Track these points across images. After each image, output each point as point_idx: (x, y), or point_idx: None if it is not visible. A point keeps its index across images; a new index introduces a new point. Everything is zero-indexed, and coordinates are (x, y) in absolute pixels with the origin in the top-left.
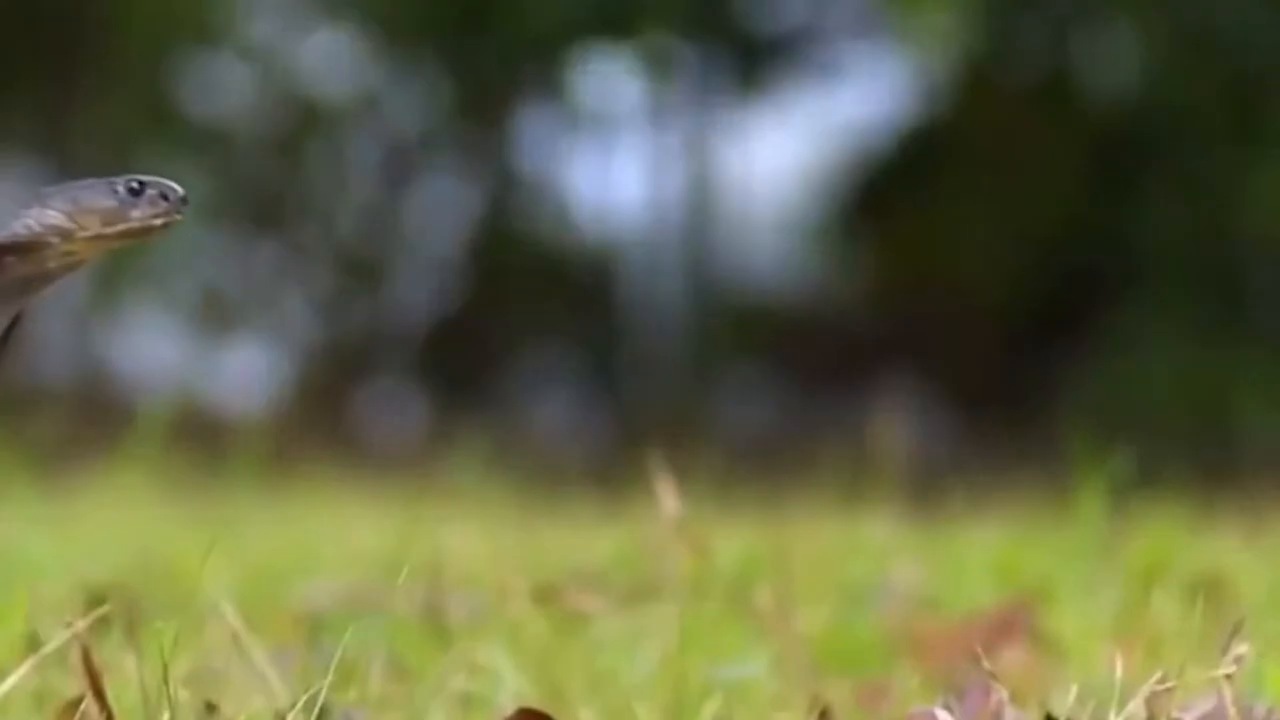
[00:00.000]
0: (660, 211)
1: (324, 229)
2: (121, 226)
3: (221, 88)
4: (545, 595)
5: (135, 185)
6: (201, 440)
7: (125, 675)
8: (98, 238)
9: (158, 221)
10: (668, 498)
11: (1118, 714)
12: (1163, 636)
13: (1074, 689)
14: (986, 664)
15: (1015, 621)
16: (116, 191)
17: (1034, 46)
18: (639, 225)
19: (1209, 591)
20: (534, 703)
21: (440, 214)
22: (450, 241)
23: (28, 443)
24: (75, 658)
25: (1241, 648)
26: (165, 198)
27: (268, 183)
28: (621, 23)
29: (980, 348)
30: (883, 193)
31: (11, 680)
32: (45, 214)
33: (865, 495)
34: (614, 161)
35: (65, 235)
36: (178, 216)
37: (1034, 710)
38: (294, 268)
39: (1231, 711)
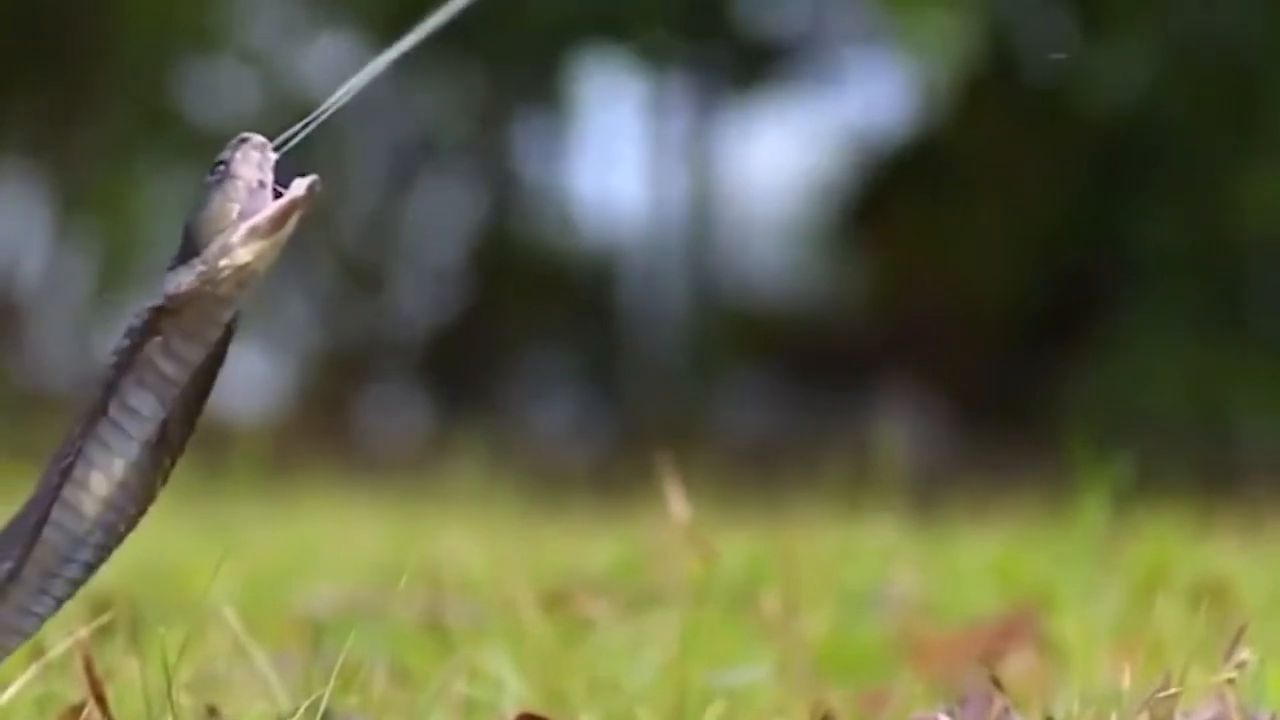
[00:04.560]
0: (661, 216)
1: (326, 234)
2: (272, 210)
3: (222, 93)
4: (547, 600)
5: (220, 167)
6: (203, 445)
7: (128, 681)
8: (253, 231)
9: (301, 192)
10: (676, 502)
11: None
12: (1165, 642)
13: (1076, 695)
14: (988, 670)
15: (1017, 627)
16: (211, 184)
17: (1034, 52)
18: (640, 229)
19: (1211, 597)
20: (536, 708)
21: (441, 219)
22: (451, 246)
23: (29, 447)
24: (78, 664)
25: (1244, 653)
26: (242, 140)
27: None
28: (620, 26)
29: (981, 352)
30: (883, 198)
31: (15, 687)
32: (197, 261)
33: (866, 500)
34: (614, 166)
35: (227, 252)
36: (314, 178)
37: (1036, 716)
38: (296, 272)
39: (1234, 717)
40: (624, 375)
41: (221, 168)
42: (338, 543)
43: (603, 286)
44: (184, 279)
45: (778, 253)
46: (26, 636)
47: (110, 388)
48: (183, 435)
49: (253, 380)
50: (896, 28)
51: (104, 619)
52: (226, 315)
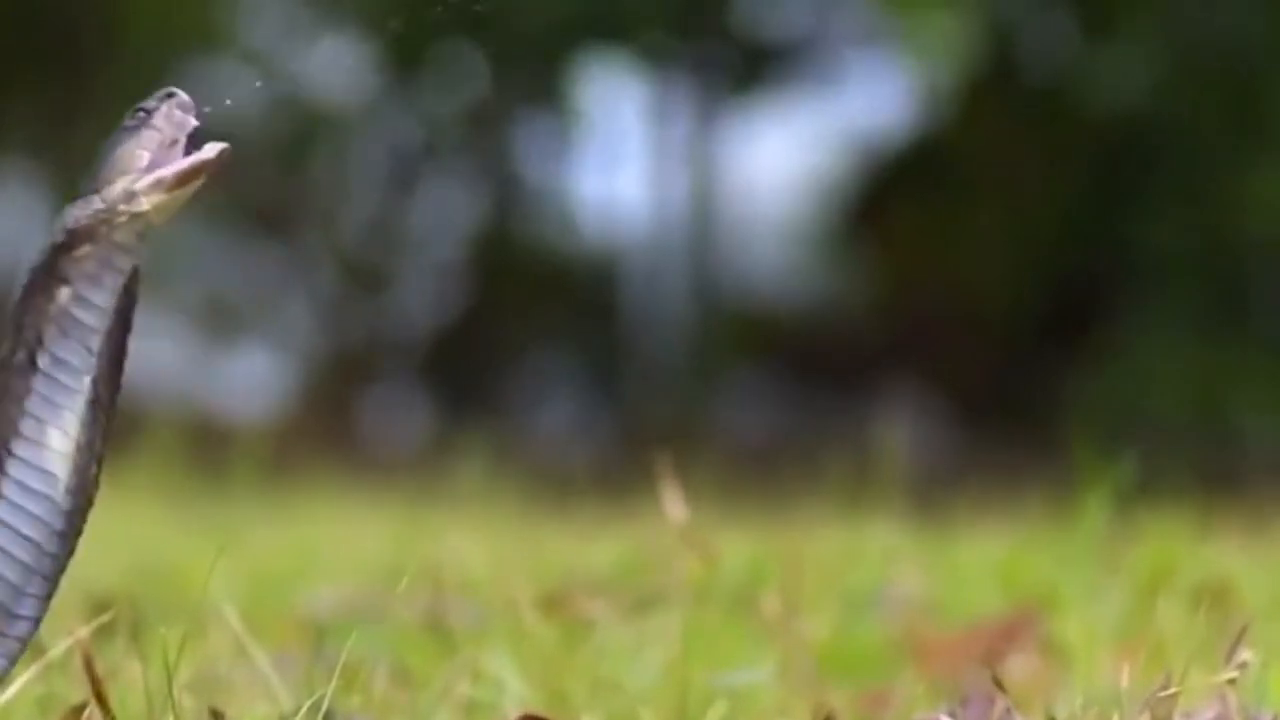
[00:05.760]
0: (663, 217)
1: (328, 235)
2: (179, 167)
3: (225, 94)
4: (549, 601)
5: (140, 113)
6: (205, 446)
7: (129, 681)
8: (159, 183)
9: (211, 154)
10: (674, 503)
11: None
12: (1166, 643)
13: (1078, 696)
14: (990, 671)
15: (1019, 628)
16: (128, 127)
17: (1036, 54)
18: (642, 230)
19: (1213, 598)
20: (537, 709)
21: (443, 220)
22: (453, 247)
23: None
24: (78, 664)
25: (1245, 654)
26: (169, 95)
27: (271, 189)
28: (622, 27)
29: (982, 353)
30: (884, 199)
31: (15, 686)
32: (97, 198)
33: (868, 501)
34: (616, 167)
35: (129, 198)
36: (194, 120)
37: (1038, 717)
38: (298, 273)
39: (1236, 718)
40: (625, 376)
41: (141, 114)
42: (339, 543)
43: (604, 287)
44: (81, 214)
45: (779, 253)
46: (35, 621)
47: (18, 329)
48: (111, 394)
49: (254, 381)
50: (898, 29)
51: (104, 619)
52: (126, 263)
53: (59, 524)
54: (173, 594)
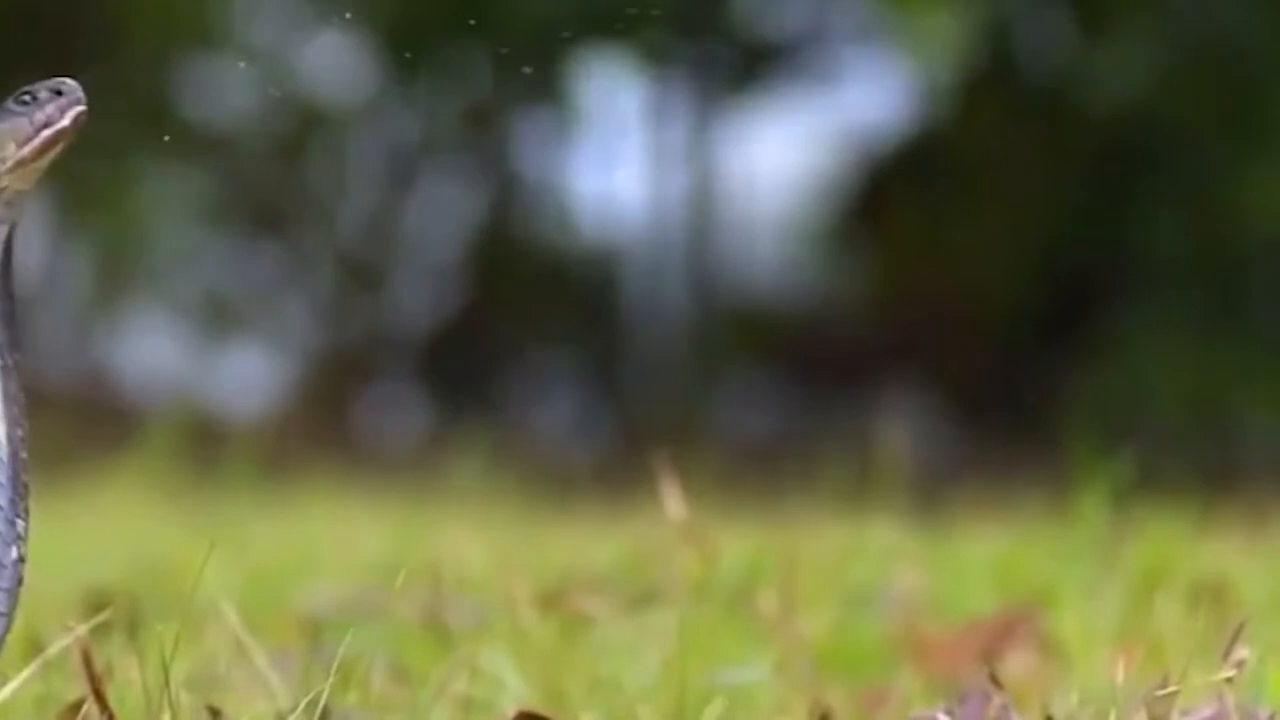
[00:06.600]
0: (661, 215)
1: (325, 233)
2: (37, 140)
3: (223, 91)
4: (547, 599)
5: (26, 97)
6: (202, 444)
7: (127, 678)
8: (19, 163)
9: (66, 121)
10: (673, 501)
11: (1119, 719)
12: (1164, 641)
13: (1075, 694)
14: (988, 668)
15: (1017, 626)
16: (12, 110)
17: (1034, 52)
18: (641, 228)
19: (1211, 595)
20: (536, 707)
21: (441, 218)
22: (451, 245)
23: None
24: (77, 661)
25: (1243, 652)
26: (59, 93)
27: (269, 187)
28: (620, 25)
29: (982, 351)
30: (883, 197)
31: (14, 684)
32: None
33: (868, 500)
34: (615, 164)
35: None
36: (81, 108)
37: (1036, 715)
38: (295, 272)
39: (1233, 716)
40: (624, 374)
41: (26, 100)
42: (338, 541)
43: (603, 285)
44: None
45: (778, 251)
46: (12, 594)
47: None
48: (15, 359)
49: (252, 379)
50: (896, 27)
51: (102, 616)
52: (2, 232)
53: (11, 490)
54: (170, 591)
